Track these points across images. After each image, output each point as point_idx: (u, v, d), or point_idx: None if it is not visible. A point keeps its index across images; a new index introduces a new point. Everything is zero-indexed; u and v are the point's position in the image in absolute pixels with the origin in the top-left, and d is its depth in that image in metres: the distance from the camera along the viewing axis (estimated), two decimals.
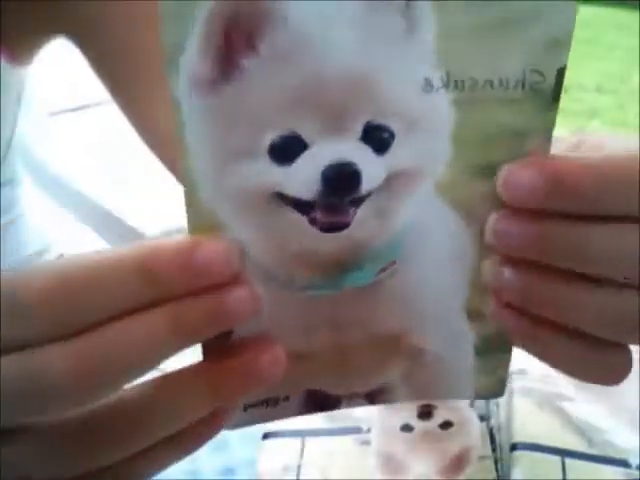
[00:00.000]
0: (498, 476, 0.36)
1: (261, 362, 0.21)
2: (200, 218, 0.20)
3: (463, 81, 0.20)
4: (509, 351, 0.25)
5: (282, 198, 0.21)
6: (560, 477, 0.35)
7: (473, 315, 0.24)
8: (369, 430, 0.38)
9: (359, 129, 0.20)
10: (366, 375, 0.26)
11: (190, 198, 0.20)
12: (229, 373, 0.21)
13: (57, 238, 0.76)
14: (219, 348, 0.22)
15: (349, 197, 0.21)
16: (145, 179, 1.36)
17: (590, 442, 0.37)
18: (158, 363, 0.20)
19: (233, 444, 0.41)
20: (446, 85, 0.20)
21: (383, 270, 0.23)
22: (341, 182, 0.20)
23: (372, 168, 0.20)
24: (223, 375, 0.21)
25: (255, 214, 0.21)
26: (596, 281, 0.22)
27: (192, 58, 0.18)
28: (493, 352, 0.25)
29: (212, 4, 0.18)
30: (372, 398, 0.26)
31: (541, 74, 0.20)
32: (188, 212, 0.20)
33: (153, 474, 0.23)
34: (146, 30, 0.48)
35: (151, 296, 0.19)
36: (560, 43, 0.20)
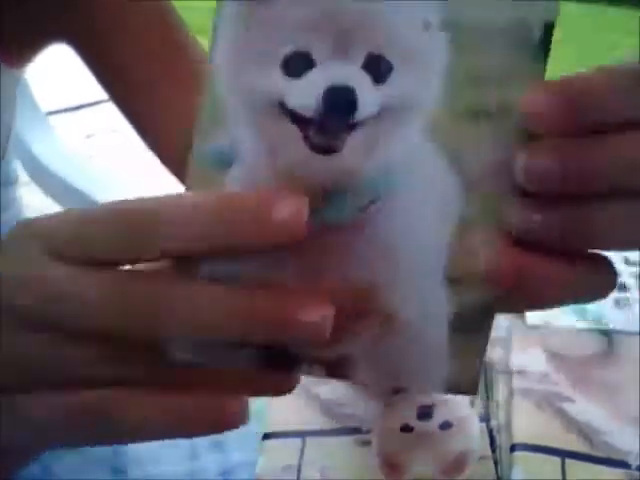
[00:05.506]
0: (498, 477, 0.36)
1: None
2: (212, 108, 0.22)
3: (460, 24, 0.21)
4: (486, 332, 0.24)
5: (284, 109, 0.22)
6: (560, 478, 0.35)
7: (451, 283, 0.23)
8: (369, 430, 0.38)
9: (362, 57, 0.22)
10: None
11: (210, 88, 0.22)
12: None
13: None
14: None
15: (345, 120, 0.22)
16: (145, 179, 1.36)
17: (590, 443, 0.37)
18: None
19: (233, 444, 0.41)
20: (443, 26, 0.21)
21: (363, 209, 0.23)
22: (339, 103, 0.22)
23: (369, 96, 0.22)
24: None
25: (257, 116, 0.22)
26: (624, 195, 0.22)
27: None
28: (469, 330, 0.24)
29: None
30: (332, 370, 0.25)
31: (529, 27, 0.22)
32: (205, 99, 0.22)
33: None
34: (145, 30, 0.48)
35: None
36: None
